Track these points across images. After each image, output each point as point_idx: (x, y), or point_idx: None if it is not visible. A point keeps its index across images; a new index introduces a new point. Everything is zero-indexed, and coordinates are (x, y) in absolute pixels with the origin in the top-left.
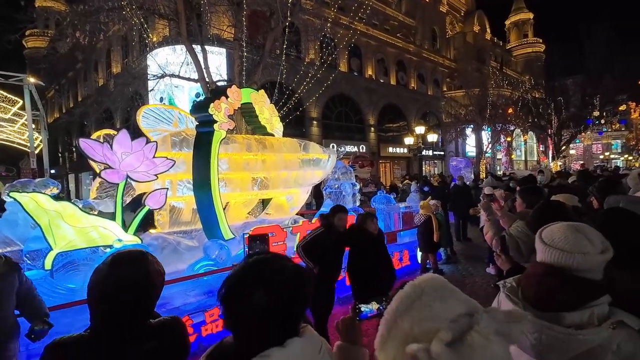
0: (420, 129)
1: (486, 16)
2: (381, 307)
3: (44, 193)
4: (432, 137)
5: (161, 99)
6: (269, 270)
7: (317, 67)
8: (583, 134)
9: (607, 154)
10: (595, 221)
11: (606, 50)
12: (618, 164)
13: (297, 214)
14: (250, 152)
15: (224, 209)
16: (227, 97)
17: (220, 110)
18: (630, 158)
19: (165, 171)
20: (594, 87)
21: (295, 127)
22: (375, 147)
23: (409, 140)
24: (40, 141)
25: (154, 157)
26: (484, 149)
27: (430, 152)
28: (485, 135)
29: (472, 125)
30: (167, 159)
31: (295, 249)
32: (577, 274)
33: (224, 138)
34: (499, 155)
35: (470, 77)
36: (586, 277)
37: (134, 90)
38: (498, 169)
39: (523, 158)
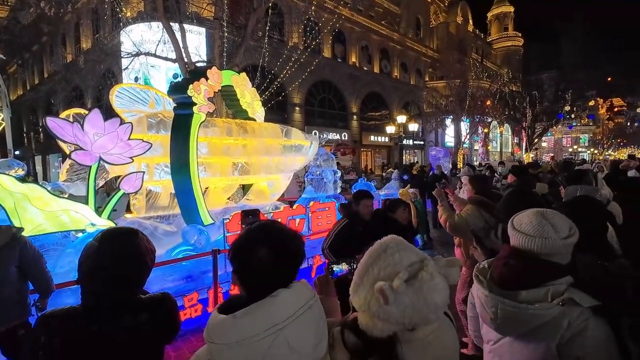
0: (401, 118)
1: (469, 7)
2: (350, 267)
3: (7, 174)
4: (413, 127)
5: (136, 79)
6: (271, 231)
7: (300, 51)
8: (555, 127)
9: (575, 147)
10: (560, 208)
11: (579, 48)
12: (585, 157)
13: (278, 200)
14: (231, 136)
15: (203, 194)
16: (207, 78)
17: (199, 93)
18: (596, 152)
19: (141, 154)
20: (567, 82)
21: (277, 112)
22: (357, 136)
23: (390, 129)
24: (2, 119)
25: (129, 139)
26: (462, 140)
27: (410, 142)
28: (464, 126)
29: (451, 116)
30: (143, 141)
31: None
32: (540, 257)
33: (203, 121)
34: (476, 146)
35: (452, 68)
36: (549, 260)
37: (106, 68)
38: (475, 159)
39: (499, 149)
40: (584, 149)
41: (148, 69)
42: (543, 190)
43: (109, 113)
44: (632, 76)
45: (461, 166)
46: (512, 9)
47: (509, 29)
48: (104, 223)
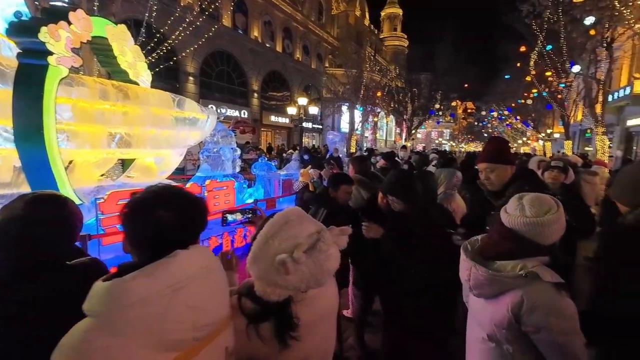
0: (302, 101)
1: (366, 3)
2: (244, 217)
3: None
4: (314, 110)
5: None
6: (171, 194)
7: (195, 14)
8: (427, 121)
9: (440, 139)
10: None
11: (447, 57)
12: (447, 148)
13: (168, 178)
14: (106, 100)
15: (66, 168)
16: (69, 23)
17: (58, 40)
18: (454, 144)
19: None
20: (438, 84)
21: (168, 80)
22: (257, 114)
23: (291, 110)
24: None
25: None
26: (356, 126)
27: (310, 125)
28: (358, 114)
29: (347, 103)
30: None
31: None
32: (513, 233)
33: (65, 77)
34: (367, 133)
35: (350, 57)
36: (526, 237)
37: None
38: (365, 145)
39: (384, 137)
40: (445, 142)
41: None
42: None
43: None
44: (480, 85)
45: (353, 151)
46: (400, 11)
47: (398, 29)
48: None
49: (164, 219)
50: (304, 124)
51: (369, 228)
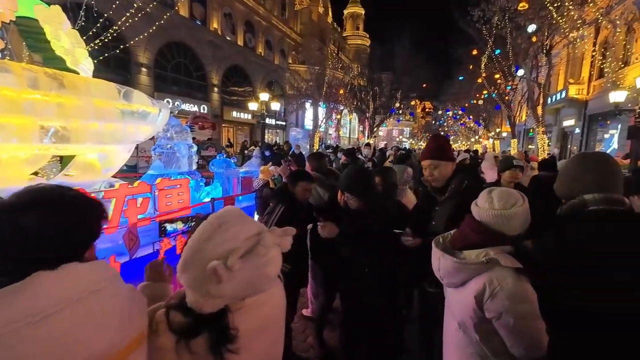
0: (264, 96)
1: (329, 1)
2: (186, 227)
3: None
4: (276, 106)
5: None
6: (44, 195)
7: None
8: (388, 119)
9: (400, 137)
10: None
11: (407, 57)
12: (406, 146)
13: (116, 176)
14: (37, 89)
15: None
16: None
17: None
18: (413, 142)
19: None
20: (398, 83)
21: (117, 70)
22: (218, 110)
23: (253, 105)
24: None
25: None
26: (319, 124)
27: (273, 121)
28: (321, 111)
29: (310, 100)
30: None
31: None
32: (481, 225)
33: None
34: (331, 131)
35: (313, 54)
36: (494, 228)
37: None
38: (329, 142)
39: (348, 135)
40: (405, 139)
41: None
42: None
43: None
44: (437, 86)
45: (316, 147)
46: (363, 11)
47: (360, 28)
48: None
49: (29, 228)
50: (267, 121)
51: (324, 227)
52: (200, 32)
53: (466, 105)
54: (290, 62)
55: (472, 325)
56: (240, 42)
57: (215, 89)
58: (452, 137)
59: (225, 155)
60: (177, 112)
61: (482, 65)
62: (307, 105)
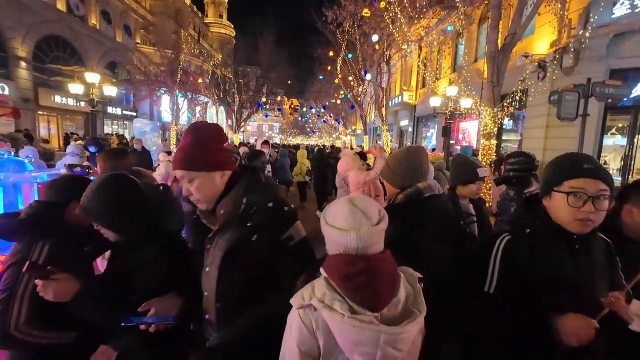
0: (92, 77)
1: None
2: None
3: None
4: (111, 91)
5: None
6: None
7: None
8: (256, 114)
9: (270, 132)
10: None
11: (272, 53)
12: (277, 141)
13: None
14: None
15: None
16: None
17: None
18: (283, 137)
19: None
20: (264, 78)
21: None
22: (29, 92)
23: (76, 88)
24: None
25: None
26: (179, 115)
27: (119, 110)
28: (182, 102)
29: (165, 88)
30: None
31: None
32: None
33: None
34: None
35: (167, 37)
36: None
37: None
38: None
39: None
40: (276, 134)
41: None
42: None
43: None
44: (301, 83)
45: (174, 143)
46: None
47: (224, 17)
48: None
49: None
50: (110, 110)
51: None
52: None
53: (327, 103)
54: (139, 42)
55: None
56: (61, 7)
57: (23, 63)
58: (317, 134)
59: (12, 153)
60: None
61: (338, 67)
62: (163, 94)
